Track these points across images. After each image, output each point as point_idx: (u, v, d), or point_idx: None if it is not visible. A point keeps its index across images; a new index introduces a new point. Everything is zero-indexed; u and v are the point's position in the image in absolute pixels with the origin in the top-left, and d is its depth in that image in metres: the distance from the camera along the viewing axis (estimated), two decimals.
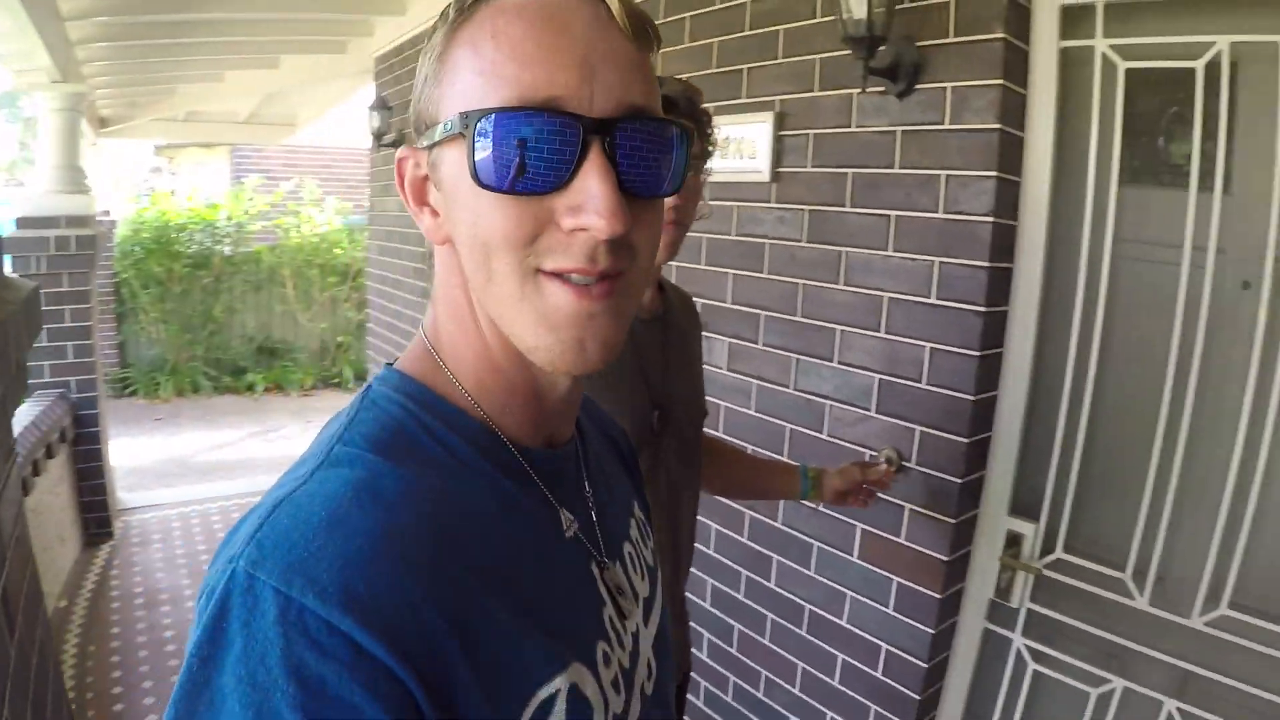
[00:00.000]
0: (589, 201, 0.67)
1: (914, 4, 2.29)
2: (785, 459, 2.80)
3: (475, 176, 0.68)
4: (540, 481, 0.80)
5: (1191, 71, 2.00)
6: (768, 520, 2.91)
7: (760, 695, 3.03)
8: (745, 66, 2.82)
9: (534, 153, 0.67)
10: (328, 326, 10.99)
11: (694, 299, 2.13)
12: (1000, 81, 2.14)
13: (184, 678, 0.59)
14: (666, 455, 1.77)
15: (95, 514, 5.27)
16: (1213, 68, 1.97)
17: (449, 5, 0.73)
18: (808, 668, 2.84)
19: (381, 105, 5.55)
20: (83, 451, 5.16)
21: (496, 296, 0.72)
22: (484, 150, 0.67)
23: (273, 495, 0.66)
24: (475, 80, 0.69)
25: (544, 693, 0.70)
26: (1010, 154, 2.21)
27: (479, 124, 0.67)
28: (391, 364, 0.81)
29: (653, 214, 0.75)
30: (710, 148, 1.69)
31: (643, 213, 0.72)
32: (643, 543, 1.01)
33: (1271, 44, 1.89)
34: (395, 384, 0.77)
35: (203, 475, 7.03)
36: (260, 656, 0.56)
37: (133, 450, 7.52)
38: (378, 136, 5.61)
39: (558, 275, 0.70)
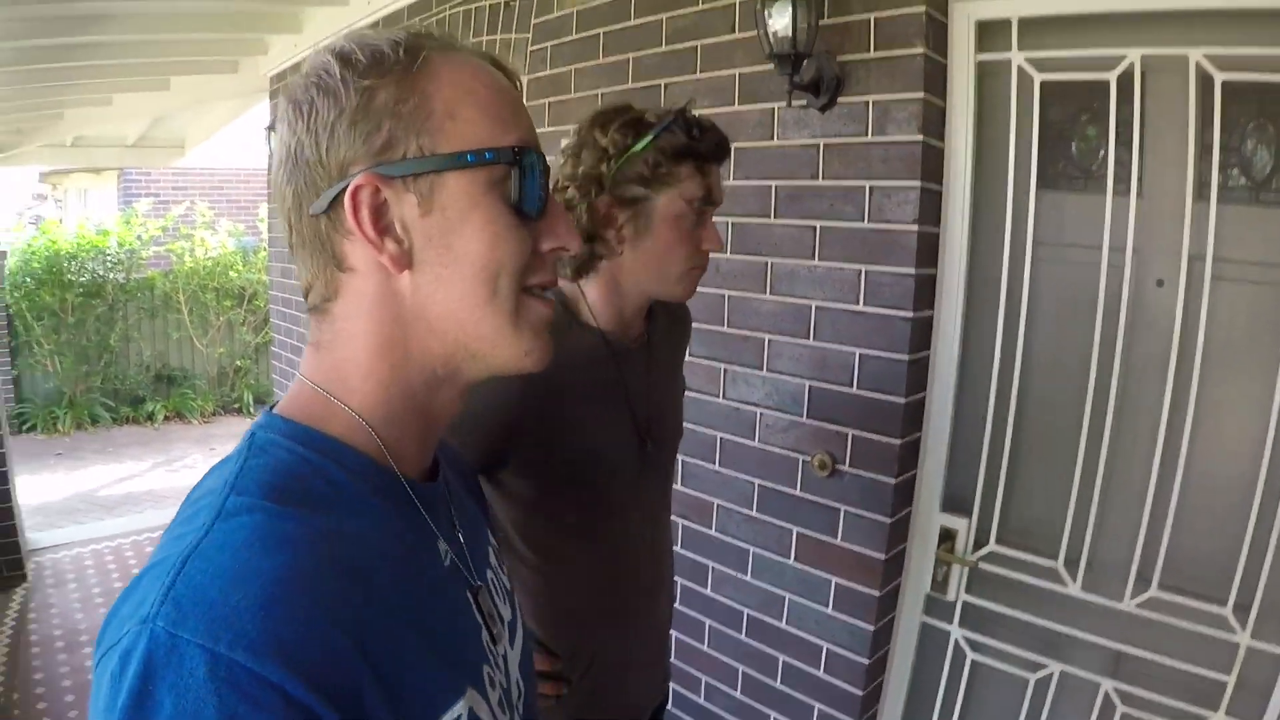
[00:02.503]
0: (561, 225, 0.85)
1: (835, 20, 2.35)
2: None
3: (519, 203, 0.80)
4: (426, 514, 0.85)
5: (1105, 83, 2.10)
6: (702, 529, 2.95)
7: (701, 701, 3.06)
8: (663, 81, 2.84)
9: (543, 186, 0.82)
10: (225, 351, 10.75)
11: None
12: (921, 95, 2.21)
13: None
14: (649, 482, 1.76)
15: (6, 557, 5.07)
16: (1125, 79, 2.07)
17: (381, 50, 0.77)
18: (749, 671, 2.88)
19: None
20: None
21: (496, 312, 0.80)
22: (527, 180, 0.80)
23: (172, 550, 0.66)
24: (483, 121, 0.78)
25: (448, 718, 0.74)
26: (932, 164, 2.29)
27: (525, 158, 0.79)
28: (271, 409, 0.82)
29: None
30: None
31: None
32: (500, 568, 1.04)
33: (1180, 56, 1.99)
34: (280, 429, 0.79)
35: (110, 510, 6.82)
36: (193, 715, 0.57)
37: (36, 488, 7.26)
38: None
39: (529, 292, 0.83)
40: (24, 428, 9.26)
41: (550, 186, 0.82)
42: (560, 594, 1.66)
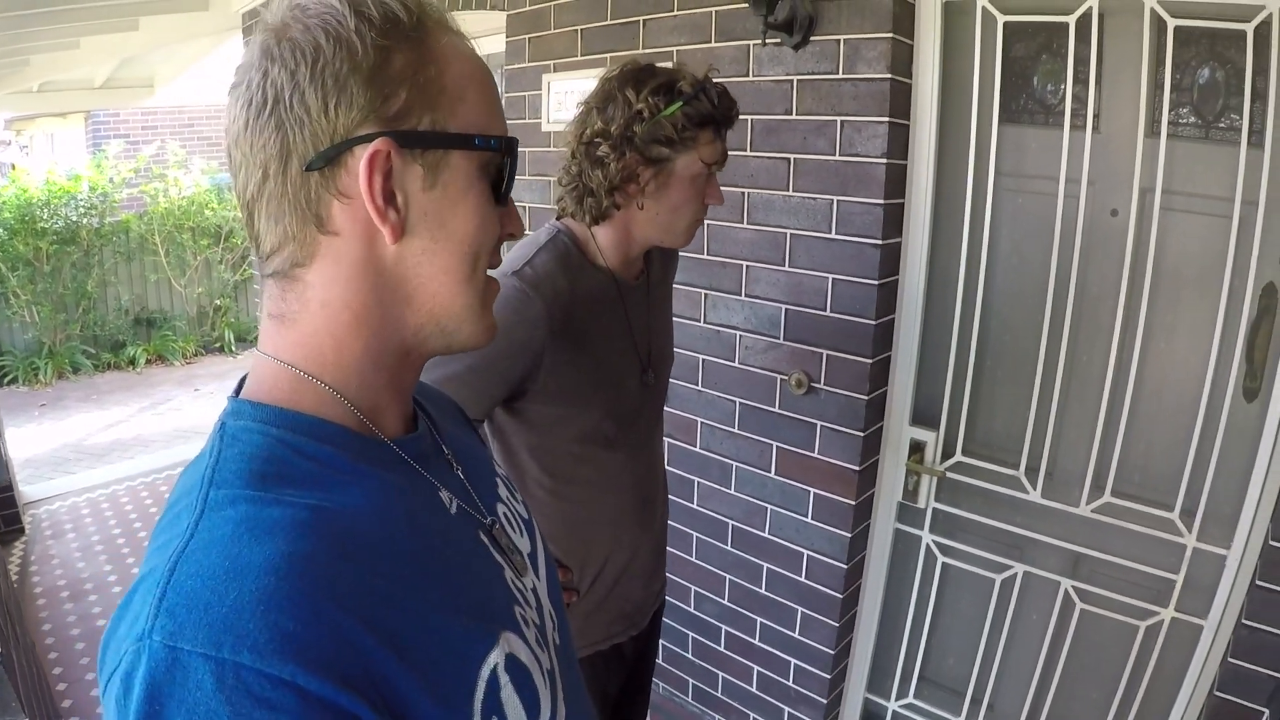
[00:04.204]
0: (514, 212, 0.87)
1: None
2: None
3: (506, 191, 0.83)
4: (418, 465, 0.84)
5: (1065, 24, 2.21)
6: (687, 446, 3.11)
7: (691, 609, 3.25)
8: (641, 18, 2.91)
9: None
10: (204, 291, 10.61)
11: None
12: (890, 35, 2.32)
13: None
14: (648, 406, 1.93)
15: (3, 511, 5.03)
16: (1083, 21, 2.18)
17: (394, 11, 0.74)
18: (735, 579, 3.07)
19: None
20: None
21: (471, 290, 0.82)
22: (513, 170, 0.83)
23: (159, 558, 0.63)
24: (484, 107, 0.81)
25: (485, 671, 0.73)
26: (900, 100, 2.40)
27: (514, 149, 0.82)
28: (236, 395, 0.80)
29: None
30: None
31: None
32: (513, 499, 1.05)
33: (1135, 1, 2.10)
34: (250, 414, 0.76)
35: (100, 458, 6.79)
36: None
37: (23, 440, 7.19)
38: None
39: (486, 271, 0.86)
40: (5, 380, 9.11)
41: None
42: (571, 511, 1.83)
